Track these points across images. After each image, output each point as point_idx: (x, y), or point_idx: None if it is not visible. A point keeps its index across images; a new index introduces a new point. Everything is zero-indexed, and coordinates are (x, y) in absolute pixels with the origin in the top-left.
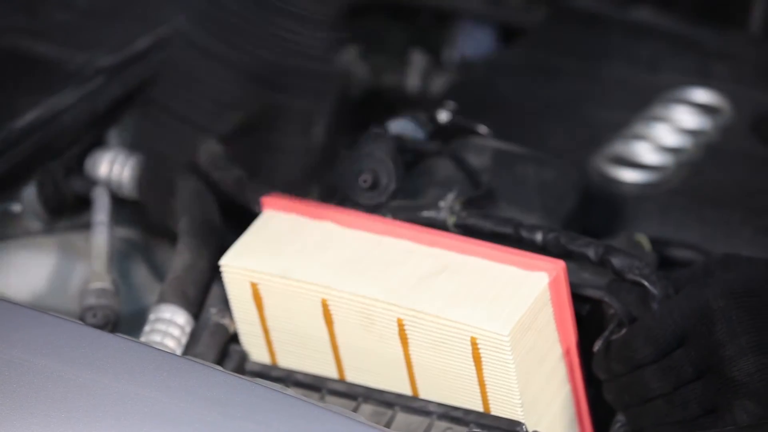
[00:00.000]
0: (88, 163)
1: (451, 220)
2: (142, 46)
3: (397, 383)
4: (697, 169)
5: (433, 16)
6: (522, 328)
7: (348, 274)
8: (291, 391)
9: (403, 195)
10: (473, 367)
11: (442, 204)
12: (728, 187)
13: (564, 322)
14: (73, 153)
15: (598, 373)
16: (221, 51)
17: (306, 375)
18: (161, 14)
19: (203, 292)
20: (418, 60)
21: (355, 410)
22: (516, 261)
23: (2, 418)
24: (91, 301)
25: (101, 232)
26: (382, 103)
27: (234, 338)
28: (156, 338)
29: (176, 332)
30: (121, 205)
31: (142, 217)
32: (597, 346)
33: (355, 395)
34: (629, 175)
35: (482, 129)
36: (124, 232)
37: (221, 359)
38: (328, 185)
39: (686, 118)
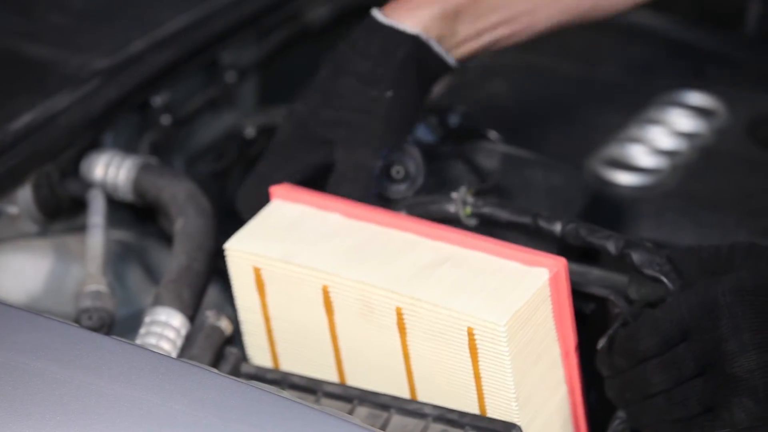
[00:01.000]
0: (84, 166)
1: (467, 211)
2: (138, 48)
3: (394, 376)
4: (693, 172)
5: None
6: (519, 321)
7: (350, 261)
8: (287, 393)
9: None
10: (469, 359)
11: (454, 195)
12: (724, 190)
13: (563, 321)
14: (68, 155)
15: (602, 369)
16: (301, 105)
17: (301, 377)
18: (157, 17)
19: (199, 295)
20: None
21: (350, 413)
22: (518, 256)
23: None
24: (87, 303)
25: (96, 235)
26: None
27: (229, 341)
28: (151, 341)
29: (171, 335)
30: (116, 208)
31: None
32: (601, 343)
33: (351, 398)
34: (625, 178)
35: (492, 134)
36: (120, 234)
37: (216, 362)
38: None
39: (682, 120)
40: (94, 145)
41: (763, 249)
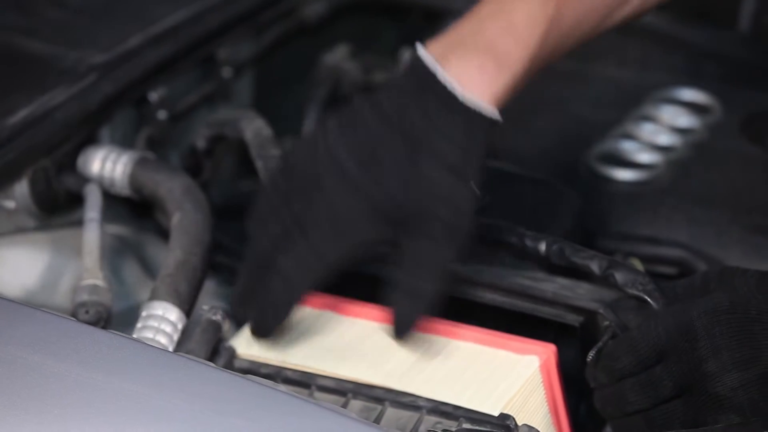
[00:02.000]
0: (81, 161)
1: None
2: (135, 44)
3: None
4: (687, 168)
5: (423, 15)
6: (512, 411)
7: (346, 359)
8: (282, 387)
9: None
10: None
11: None
12: (718, 186)
13: (556, 406)
14: (65, 150)
15: (589, 381)
16: (359, 178)
17: (295, 371)
18: (153, 13)
19: (195, 289)
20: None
21: (344, 406)
22: (508, 345)
23: None
24: (84, 297)
25: (93, 229)
26: None
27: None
28: (148, 335)
29: (168, 329)
30: (112, 202)
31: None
32: (590, 355)
33: (345, 391)
34: (619, 174)
35: None
36: (116, 229)
37: (212, 357)
38: None
39: (676, 117)
40: (90, 140)
41: (735, 269)
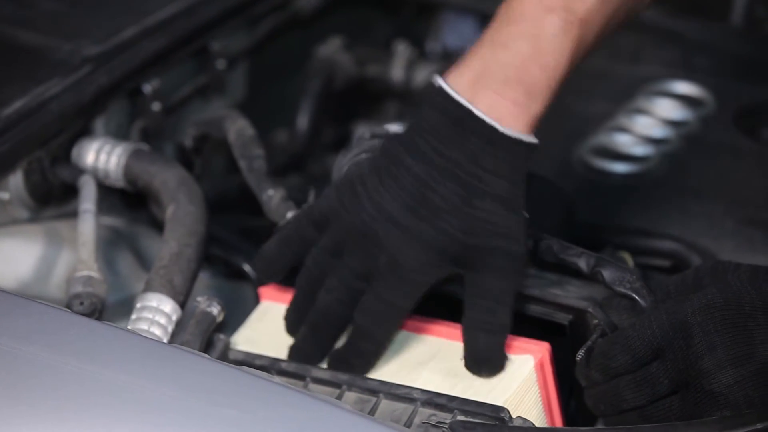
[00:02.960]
0: (75, 152)
1: None
2: (129, 35)
3: None
4: (680, 161)
5: (416, 8)
6: (509, 409)
7: None
8: (276, 379)
9: None
10: None
11: None
12: (710, 179)
13: (551, 404)
14: (59, 142)
15: (580, 379)
16: (414, 226)
17: (289, 363)
18: (148, 4)
19: (190, 281)
20: (401, 51)
21: (338, 398)
22: None
23: None
24: (78, 288)
25: (88, 221)
26: (366, 93)
27: (218, 327)
28: (143, 326)
29: (163, 320)
30: (107, 194)
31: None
32: (579, 354)
33: (339, 383)
34: (613, 167)
35: None
36: (111, 220)
37: (206, 348)
38: (312, 175)
39: (669, 109)
40: (85, 132)
41: (727, 264)
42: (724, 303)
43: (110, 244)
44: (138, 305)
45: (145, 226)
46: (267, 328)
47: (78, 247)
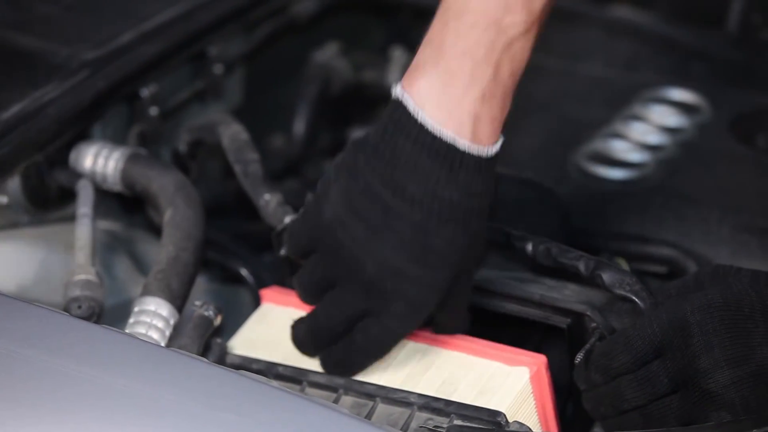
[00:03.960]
0: (73, 156)
1: None
2: (127, 40)
3: None
4: (676, 167)
5: (412, 13)
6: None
7: None
8: (274, 383)
9: None
10: None
11: None
12: (706, 185)
13: (546, 415)
14: (57, 146)
15: (578, 383)
16: (422, 272)
17: (286, 367)
18: (145, 9)
19: (187, 285)
20: (398, 56)
21: (335, 402)
22: (499, 356)
23: None
24: (76, 292)
25: (85, 225)
26: (363, 98)
27: (215, 332)
28: (140, 330)
29: (160, 324)
30: (105, 198)
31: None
32: (578, 357)
33: (336, 387)
34: (609, 173)
35: None
36: (108, 224)
37: (203, 352)
38: (308, 179)
39: (665, 116)
40: (82, 136)
41: (728, 267)
42: (723, 304)
43: (108, 248)
44: (136, 309)
45: (143, 230)
46: (266, 330)
47: (76, 250)
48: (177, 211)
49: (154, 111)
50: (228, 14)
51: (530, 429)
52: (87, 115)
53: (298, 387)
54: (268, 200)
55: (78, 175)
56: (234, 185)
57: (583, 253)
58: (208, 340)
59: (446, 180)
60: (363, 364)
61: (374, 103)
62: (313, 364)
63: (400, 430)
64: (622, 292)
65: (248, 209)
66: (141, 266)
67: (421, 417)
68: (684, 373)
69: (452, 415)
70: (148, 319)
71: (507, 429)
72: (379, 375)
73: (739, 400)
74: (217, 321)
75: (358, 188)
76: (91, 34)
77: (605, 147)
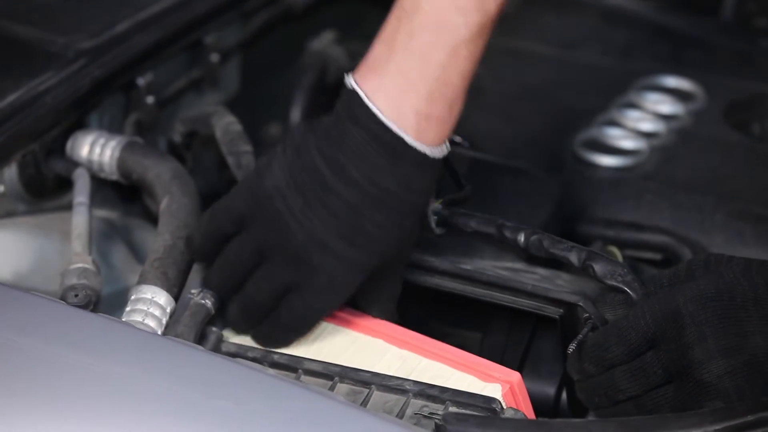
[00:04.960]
0: (69, 145)
1: (433, 219)
2: (123, 29)
3: None
4: (671, 155)
5: None
6: None
7: None
8: (269, 370)
9: None
10: None
11: None
12: (701, 172)
13: None
14: (54, 135)
15: (572, 373)
16: (348, 252)
17: (282, 355)
18: None
19: (184, 273)
20: None
21: (331, 389)
22: (475, 368)
23: None
24: (73, 281)
25: (82, 213)
26: None
27: (212, 320)
28: (137, 318)
29: (157, 312)
30: (101, 187)
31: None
32: (571, 347)
33: (331, 375)
34: (604, 160)
35: (457, 138)
36: (105, 213)
37: (199, 340)
38: None
39: (660, 104)
40: (79, 125)
41: (720, 256)
42: (716, 294)
43: (104, 236)
44: (132, 297)
45: (139, 218)
46: None
47: (72, 239)
48: (173, 199)
49: (150, 100)
50: (224, 3)
51: (525, 415)
52: (83, 104)
53: (293, 375)
54: None
55: (75, 163)
56: (229, 175)
57: (574, 244)
58: (204, 328)
59: (387, 170)
60: (288, 339)
61: None
62: (306, 352)
63: (396, 417)
64: (614, 283)
65: None
66: (137, 254)
67: (417, 404)
68: (678, 364)
69: (447, 401)
70: (144, 307)
71: (502, 416)
72: None
73: (733, 389)
74: (214, 309)
75: (302, 164)
76: (88, 23)
77: (600, 134)
